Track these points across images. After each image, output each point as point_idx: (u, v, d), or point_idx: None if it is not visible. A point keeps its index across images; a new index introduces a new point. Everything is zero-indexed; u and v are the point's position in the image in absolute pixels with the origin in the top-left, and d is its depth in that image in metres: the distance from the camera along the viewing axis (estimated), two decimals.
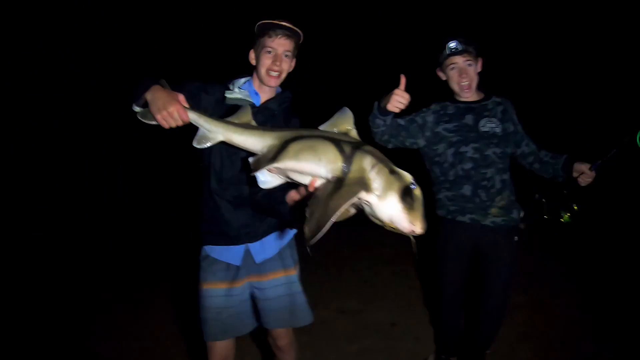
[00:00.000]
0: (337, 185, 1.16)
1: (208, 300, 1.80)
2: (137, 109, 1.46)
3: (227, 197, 1.77)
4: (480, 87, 2.19)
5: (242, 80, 1.84)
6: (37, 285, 3.81)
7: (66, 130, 6.26)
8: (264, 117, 1.75)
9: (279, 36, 1.71)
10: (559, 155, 2.15)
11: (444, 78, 2.17)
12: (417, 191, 1.18)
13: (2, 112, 5.52)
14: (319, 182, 1.22)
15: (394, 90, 1.81)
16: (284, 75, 1.78)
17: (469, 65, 2.08)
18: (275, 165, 1.23)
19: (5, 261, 4.20)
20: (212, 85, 1.79)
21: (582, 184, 2.04)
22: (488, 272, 2.20)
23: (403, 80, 1.79)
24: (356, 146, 1.22)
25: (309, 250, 1.06)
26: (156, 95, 1.38)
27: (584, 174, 2.01)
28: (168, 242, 4.86)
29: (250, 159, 1.30)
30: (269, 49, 1.72)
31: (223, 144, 1.44)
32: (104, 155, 6.08)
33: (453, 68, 2.10)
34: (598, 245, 4.21)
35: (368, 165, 1.18)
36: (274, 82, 1.76)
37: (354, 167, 1.18)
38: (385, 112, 1.91)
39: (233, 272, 1.82)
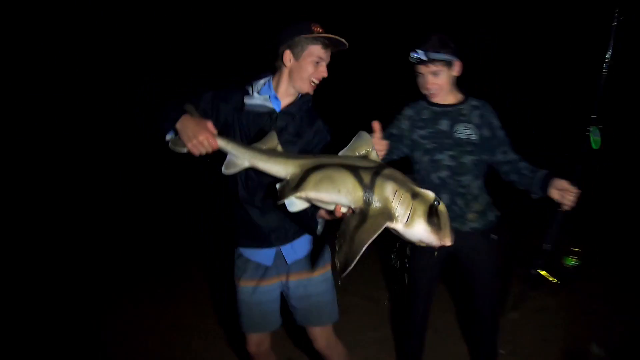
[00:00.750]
0: (362, 218, 1.20)
1: (241, 296, 1.92)
2: (168, 137, 1.54)
3: (256, 203, 1.81)
4: (459, 87, 2.10)
5: (262, 81, 1.80)
6: (47, 283, 3.92)
7: (87, 129, 6.31)
8: (285, 122, 1.75)
9: (331, 47, 1.71)
10: (538, 169, 2.01)
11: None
12: (441, 207, 1.24)
13: (2, 112, 5.66)
14: (344, 209, 1.27)
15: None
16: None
17: (435, 74, 1.99)
18: (298, 195, 1.29)
19: (20, 256, 4.34)
20: (229, 92, 1.78)
21: (567, 206, 1.88)
22: (472, 275, 2.18)
23: (377, 127, 1.62)
24: (376, 172, 1.24)
25: (339, 282, 1.20)
26: (186, 125, 1.46)
27: (566, 191, 1.86)
28: (183, 238, 5.00)
29: (277, 186, 1.37)
30: (319, 59, 1.70)
31: None
32: (116, 153, 6.10)
33: (418, 76, 2.05)
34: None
35: (390, 193, 1.21)
36: (312, 90, 1.77)
37: (376, 196, 1.21)
38: None
39: (263, 271, 1.90)
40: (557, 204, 1.91)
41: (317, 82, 1.75)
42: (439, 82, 2.01)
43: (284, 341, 2.93)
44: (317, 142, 1.82)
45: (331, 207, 1.31)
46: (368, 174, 1.24)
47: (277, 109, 1.76)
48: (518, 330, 2.94)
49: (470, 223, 2.11)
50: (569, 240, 1.96)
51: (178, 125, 1.48)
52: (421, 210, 1.20)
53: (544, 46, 7.65)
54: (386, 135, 2.04)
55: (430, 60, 1.95)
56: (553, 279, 1.87)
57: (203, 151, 1.45)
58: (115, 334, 3.19)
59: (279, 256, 1.88)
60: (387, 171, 1.26)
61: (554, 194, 1.89)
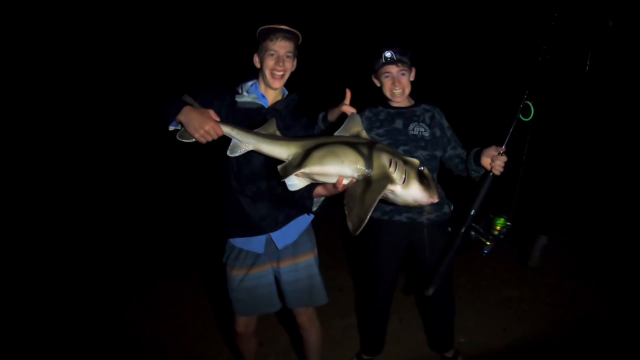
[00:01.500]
0: (367, 182, 1.42)
1: (235, 284, 2.02)
2: (171, 128, 1.63)
3: (247, 192, 1.93)
4: (411, 94, 2.26)
5: (249, 83, 1.97)
6: (41, 277, 3.94)
7: (87, 128, 6.31)
8: (274, 117, 1.83)
9: (280, 39, 1.86)
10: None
11: (378, 85, 2.26)
12: (425, 171, 1.51)
13: (3, 112, 5.66)
14: (346, 181, 1.45)
15: (340, 105, 1.93)
16: (287, 75, 1.93)
17: (402, 74, 2.17)
18: (302, 170, 1.45)
19: (19, 252, 4.39)
20: (221, 91, 1.94)
21: (497, 172, 1.99)
22: (428, 265, 2.27)
23: (348, 95, 1.93)
24: (371, 146, 1.47)
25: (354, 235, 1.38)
26: (190, 117, 1.55)
27: (495, 159, 1.97)
28: (184, 231, 5.09)
29: (279, 167, 1.50)
30: (272, 52, 1.87)
31: None
32: (112, 151, 6.10)
33: (387, 76, 2.18)
34: (594, 240, 4.15)
35: (386, 161, 1.44)
36: (278, 83, 1.91)
37: (375, 164, 1.43)
38: (328, 124, 2.07)
39: (254, 259, 2.01)
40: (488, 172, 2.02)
41: (278, 73, 1.89)
42: (404, 81, 2.19)
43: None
44: (304, 135, 1.96)
45: (334, 180, 1.46)
46: (365, 147, 1.46)
47: (265, 106, 1.94)
48: (479, 319, 3.06)
49: (426, 214, 2.24)
50: (502, 206, 2.02)
51: (182, 117, 1.56)
52: (413, 173, 1.47)
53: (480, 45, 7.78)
54: None
55: (402, 60, 2.15)
56: (484, 240, 1.96)
57: (210, 139, 1.56)
58: (113, 325, 3.25)
59: (270, 243, 2.00)
60: (380, 145, 1.51)
61: (485, 162, 2.02)
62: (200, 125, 1.53)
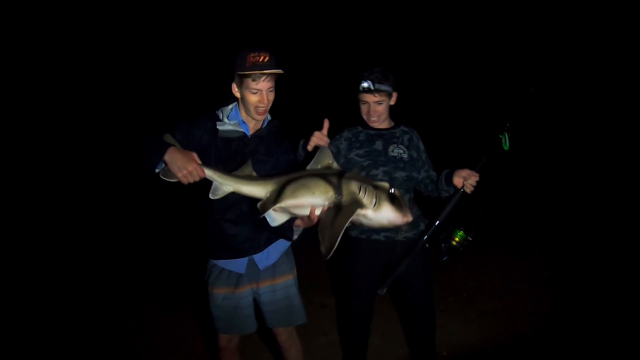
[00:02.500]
0: (337, 209, 1.49)
1: (215, 302, 2.04)
2: (157, 170, 1.65)
3: (229, 217, 1.92)
4: (391, 115, 2.31)
5: (230, 107, 1.95)
6: (36, 281, 3.93)
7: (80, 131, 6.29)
8: (256, 144, 1.91)
9: (263, 79, 1.78)
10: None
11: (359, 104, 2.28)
12: (396, 193, 1.56)
13: (3, 112, 5.64)
14: (318, 211, 1.54)
15: (314, 133, 1.95)
16: (269, 105, 1.88)
17: (379, 103, 2.19)
18: (279, 205, 1.53)
19: (18, 255, 4.38)
20: (201, 118, 1.91)
21: (469, 190, 2.08)
22: (406, 281, 2.29)
23: (326, 124, 1.92)
24: (340, 175, 1.56)
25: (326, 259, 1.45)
26: (174, 157, 1.60)
27: (467, 176, 2.07)
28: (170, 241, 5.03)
29: (258, 205, 1.60)
30: (254, 90, 1.80)
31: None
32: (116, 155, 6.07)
33: (364, 104, 2.22)
34: (577, 250, 4.20)
35: (355, 188, 1.51)
36: (262, 117, 1.89)
37: (344, 192, 1.51)
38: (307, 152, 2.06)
39: (236, 279, 2.02)
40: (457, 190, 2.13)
41: (262, 108, 1.85)
42: (381, 110, 2.23)
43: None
44: (286, 159, 2.00)
45: (307, 211, 1.55)
46: (335, 176, 1.56)
47: (247, 133, 1.93)
48: (462, 332, 3.06)
49: (403, 233, 2.28)
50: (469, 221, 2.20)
51: (166, 158, 1.61)
52: (384, 196, 1.52)
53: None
54: None
55: (377, 90, 2.16)
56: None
57: (192, 180, 1.61)
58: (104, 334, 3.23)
59: (252, 264, 2.01)
60: (350, 174, 1.59)
61: (457, 181, 2.11)
62: (184, 166, 1.58)
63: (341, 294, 3.66)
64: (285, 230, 1.79)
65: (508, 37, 7.52)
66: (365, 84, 2.15)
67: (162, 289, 3.98)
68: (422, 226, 2.32)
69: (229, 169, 1.78)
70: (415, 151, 2.31)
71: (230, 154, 1.89)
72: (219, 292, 2.03)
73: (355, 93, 2.24)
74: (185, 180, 1.60)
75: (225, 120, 1.91)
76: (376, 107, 2.21)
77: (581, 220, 4.60)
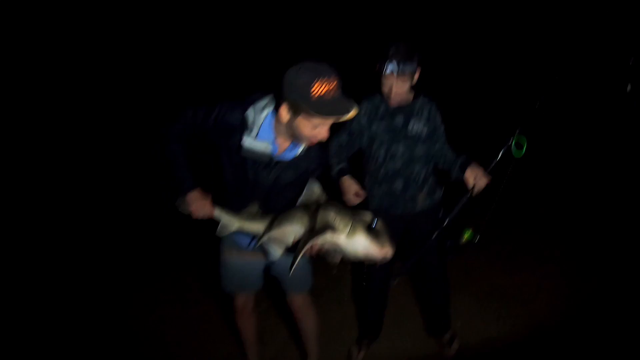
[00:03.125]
0: (310, 232, 1.53)
1: (228, 261, 2.12)
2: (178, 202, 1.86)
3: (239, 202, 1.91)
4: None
5: (263, 115, 1.67)
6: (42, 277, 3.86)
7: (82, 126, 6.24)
8: (279, 172, 1.78)
9: (333, 119, 1.51)
10: (461, 155, 2.26)
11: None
12: (379, 224, 1.47)
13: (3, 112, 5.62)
14: (293, 235, 1.60)
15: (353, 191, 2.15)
16: None
17: (403, 84, 2.09)
18: (267, 236, 1.67)
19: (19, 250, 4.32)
20: (229, 114, 1.69)
21: (476, 190, 2.13)
22: (422, 257, 2.38)
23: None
24: (320, 205, 1.58)
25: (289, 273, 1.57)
26: (194, 198, 1.80)
27: (479, 176, 2.11)
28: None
29: (255, 239, 1.80)
30: (317, 125, 1.53)
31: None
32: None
33: (386, 85, 2.12)
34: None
35: (331, 216, 1.49)
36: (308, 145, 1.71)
37: (319, 219, 1.51)
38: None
39: (248, 241, 2.01)
40: (466, 188, 2.19)
41: (315, 141, 1.62)
42: (403, 90, 2.13)
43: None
44: (313, 170, 1.84)
45: (291, 240, 1.62)
46: (314, 206, 1.59)
47: (275, 153, 1.73)
48: (475, 305, 3.13)
49: (421, 203, 2.36)
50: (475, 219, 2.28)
51: (187, 197, 1.81)
52: (360, 225, 1.45)
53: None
54: (349, 135, 2.33)
55: (402, 73, 2.04)
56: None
57: (201, 216, 1.82)
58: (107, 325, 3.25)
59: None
60: (332, 203, 1.59)
61: (469, 176, 2.14)
62: (199, 208, 1.80)
63: (358, 265, 3.71)
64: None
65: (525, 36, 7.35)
66: (390, 67, 2.03)
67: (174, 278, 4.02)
68: (438, 193, 2.39)
69: (236, 181, 1.85)
70: (434, 124, 2.28)
71: (244, 172, 1.79)
72: (232, 255, 2.11)
73: (378, 69, 2.12)
74: (195, 215, 1.82)
75: (255, 132, 1.67)
76: (399, 89, 2.11)
77: (594, 210, 4.62)
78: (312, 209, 1.57)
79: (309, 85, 1.41)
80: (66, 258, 4.17)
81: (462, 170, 2.17)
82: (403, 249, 2.46)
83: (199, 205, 1.79)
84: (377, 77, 2.20)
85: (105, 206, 5.35)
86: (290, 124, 1.55)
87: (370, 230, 1.45)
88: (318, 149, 1.80)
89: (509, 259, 3.72)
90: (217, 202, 1.89)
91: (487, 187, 2.15)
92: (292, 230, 1.60)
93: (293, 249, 1.59)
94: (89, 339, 3.05)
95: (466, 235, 2.21)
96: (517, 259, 3.72)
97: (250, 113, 1.67)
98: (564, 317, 2.92)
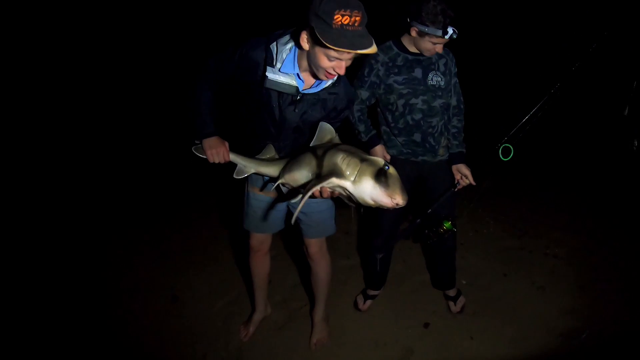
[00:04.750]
0: (316, 177, 1.50)
1: (251, 201, 2.15)
2: (196, 142, 1.90)
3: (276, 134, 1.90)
4: None
5: (287, 47, 1.64)
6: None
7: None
8: (305, 107, 1.75)
9: (348, 52, 1.46)
10: (460, 140, 2.37)
11: (413, 35, 2.10)
12: (391, 170, 1.37)
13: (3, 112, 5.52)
14: (304, 179, 1.58)
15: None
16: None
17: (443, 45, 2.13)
18: (280, 181, 1.71)
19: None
20: (252, 50, 1.67)
21: (459, 186, 2.34)
22: (433, 195, 2.41)
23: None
24: (330, 147, 1.52)
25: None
26: (211, 142, 1.85)
27: (465, 176, 2.31)
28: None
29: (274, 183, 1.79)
30: (334, 57, 1.50)
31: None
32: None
33: (430, 45, 2.08)
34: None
35: (339, 159, 1.43)
36: (329, 78, 1.65)
37: (325, 162, 1.47)
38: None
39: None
40: (452, 181, 2.36)
41: (332, 75, 1.59)
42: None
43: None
44: (341, 109, 1.83)
45: (301, 183, 1.60)
46: (322, 149, 1.53)
47: (301, 87, 1.71)
48: (481, 264, 3.17)
49: (439, 156, 2.38)
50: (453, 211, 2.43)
51: (205, 142, 1.85)
52: (369, 170, 1.36)
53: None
54: (370, 86, 2.26)
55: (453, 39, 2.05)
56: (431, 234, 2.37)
57: (217, 161, 1.86)
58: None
59: None
60: (342, 146, 1.51)
61: (456, 172, 2.35)
62: (216, 151, 1.84)
63: (364, 218, 3.74)
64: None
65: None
66: (450, 32, 1.98)
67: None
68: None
69: (262, 122, 1.84)
70: (449, 76, 2.27)
71: (270, 110, 1.77)
72: (253, 192, 2.12)
73: (421, 28, 2.01)
74: (211, 159, 1.85)
75: (278, 65, 1.64)
76: (439, 48, 2.12)
77: (601, 176, 4.58)
78: (319, 153, 1.53)
79: (332, 14, 1.38)
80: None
81: (451, 163, 2.35)
82: (416, 198, 2.49)
83: (215, 151, 1.84)
84: (402, 28, 2.18)
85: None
86: (309, 52, 1.55)
87: (380, 177, 1.34)
88: (345, 88, 1.78)
89: (517, 222, 3.73)
90: (241, 150, 1.92)
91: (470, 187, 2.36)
92: (301, 174, 1.59)
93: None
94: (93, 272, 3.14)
95: (446, 225, 2.31)
96: (526, 222, 3.73)
97: (273, 47, 1.65)
98: (567, 280, 2.96)
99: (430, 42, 2.07)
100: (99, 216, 3.93)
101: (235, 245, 3.41)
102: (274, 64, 1.65)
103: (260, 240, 2.30)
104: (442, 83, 2.23)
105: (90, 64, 6.73)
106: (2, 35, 5.85)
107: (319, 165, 1.49)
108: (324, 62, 1.52)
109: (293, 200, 1.63)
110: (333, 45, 1.39)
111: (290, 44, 1.65)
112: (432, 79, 2.22)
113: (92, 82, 6.60)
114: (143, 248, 3.45)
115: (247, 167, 1.88)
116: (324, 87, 1.73)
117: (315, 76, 1.65)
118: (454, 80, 2.32)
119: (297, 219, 2.15)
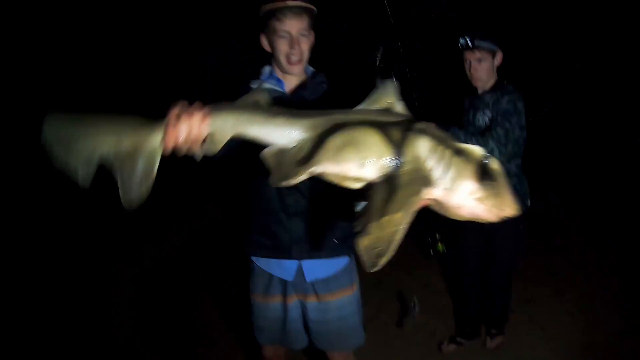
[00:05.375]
0: (391, 188, 0.84)
1: (257, 311, 1.76)
2: None
3: (284, 203, 1.58)
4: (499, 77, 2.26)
5: (267, 69, 1.64)
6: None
7: None
8: (296, 104, 1.47)
9: (289, 17, 1.46)
10: None
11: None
12: (494, 164, 0.88)
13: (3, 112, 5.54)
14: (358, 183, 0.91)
15: None
16: (306, 57, 1.55)
17: (479, 61, 2.15)
18: (312, 171, 0.88)
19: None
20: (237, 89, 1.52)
21: None
22: (494, 249, 2.37)
23: None
24: (407, 127, 0.89)
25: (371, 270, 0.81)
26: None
27: None
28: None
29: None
30: (282, 33, 1.48)
31: None
32: None
33: (465, 61, 2.21)
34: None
35: (425, 151, 0.86)
36: (298, 69, 1.55)
37: (407, 157, 0.86)
38: None
39: (282, 287, 1.69)
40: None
41: (294, 58, 1.51)
42: (483, 68, 2.17)
43: None
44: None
45: (351, 184, 0.90)
46: (398, 129, 0.89)
47: (284, 91, 1.61)
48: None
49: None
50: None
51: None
52: (468, 169, 0.85)
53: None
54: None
55: (476, 47, 2.12)
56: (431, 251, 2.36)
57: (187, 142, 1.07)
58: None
59: (299, 272, 1.65)
60: (422, 125, 0.91)
61: None
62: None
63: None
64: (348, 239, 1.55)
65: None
66: (461, 41, 2.12)
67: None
68: (527, 202, 2.33)
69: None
70: (496, 112, 2.15)
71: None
72: (260, 302, 1.73)
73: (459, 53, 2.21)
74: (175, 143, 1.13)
75: (262, 79, 1.61)
76: (477, 66, 2.16)
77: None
78: (395, 136, 0.87)
79: (267, 5, 1.47)
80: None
81: None
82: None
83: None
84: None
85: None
86: (273, 52, 1.56)
87: (484, 179, 0.85)
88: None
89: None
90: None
91: None
92: (359, 171, 0.87)
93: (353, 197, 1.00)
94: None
95: (439, 247, 2.31)
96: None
97: (254, 82, 1.62)
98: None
99: (465, 63, 2.27)
100: (98, 216, 3.87)
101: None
102: (258, 78, 1.64)
103: (274, 350, 1.86)
104: (487, 120, 2.27)
105: (90, 64, 6.76)
106: (2, 35, 5.86)
107: (396, 159, 0.85)
108: (280, 45, 1.50)
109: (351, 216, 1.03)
110: (269, 8, 1.45)
111: (268, 68, 1.64)
112: (479, 120, 2.31)
113: (92, 82, 6.62)
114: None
115: (225, 125, 0.95)
116: (322, 91, 1.60)
117: (296, 74, 1.59)
118: (499, 118, 2.27)
119: (309, 329, 1.76)
